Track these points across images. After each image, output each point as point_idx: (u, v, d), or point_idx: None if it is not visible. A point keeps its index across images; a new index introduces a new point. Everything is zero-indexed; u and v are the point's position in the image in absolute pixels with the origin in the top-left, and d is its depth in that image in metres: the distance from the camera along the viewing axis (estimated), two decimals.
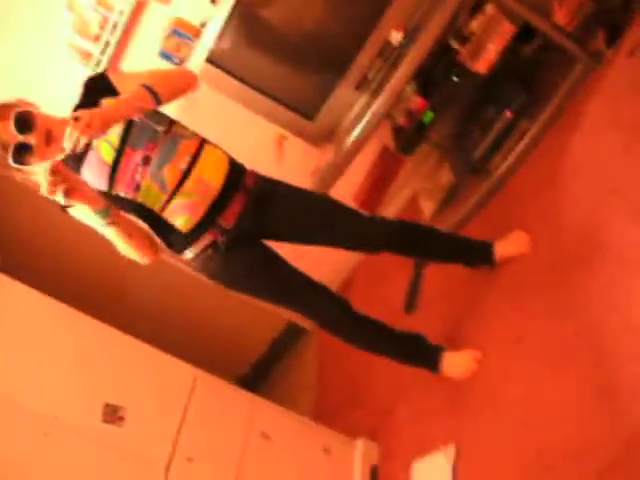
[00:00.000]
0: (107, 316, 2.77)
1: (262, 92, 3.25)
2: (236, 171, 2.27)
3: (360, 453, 2.85)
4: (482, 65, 2.79)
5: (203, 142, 2.21)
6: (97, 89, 2.13)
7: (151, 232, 2.23)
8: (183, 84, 2.12)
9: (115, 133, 2.05)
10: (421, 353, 2.52)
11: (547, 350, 2.19)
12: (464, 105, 3.15)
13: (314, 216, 2.43)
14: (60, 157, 1.82)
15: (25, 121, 1.88)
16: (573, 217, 2.43)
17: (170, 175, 2.10)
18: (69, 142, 1.76)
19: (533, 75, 2.98)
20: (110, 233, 2.07)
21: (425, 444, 2.57)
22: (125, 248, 2.12)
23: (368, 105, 2.93)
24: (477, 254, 2.63)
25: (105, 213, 2.00)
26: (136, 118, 2.02)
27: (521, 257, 2.55)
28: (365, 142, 2.95)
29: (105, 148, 2.06)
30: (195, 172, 2.13)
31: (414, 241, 2.60)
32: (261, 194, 2.31)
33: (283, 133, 3.34)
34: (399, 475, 2.65)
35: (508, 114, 2.92)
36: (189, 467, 2.50)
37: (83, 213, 2.00)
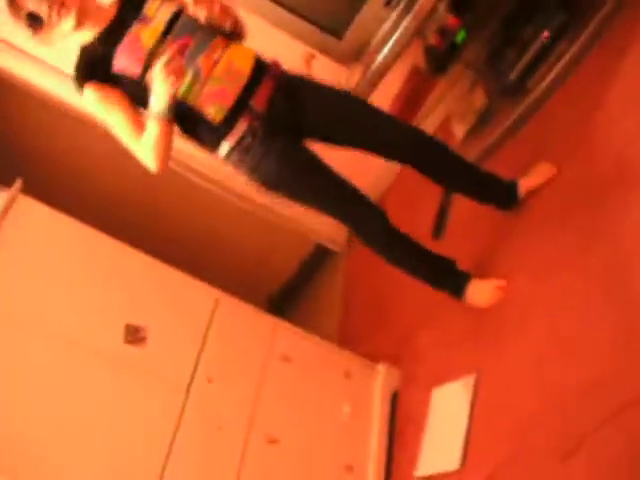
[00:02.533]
0: (131, 237, 2.77)
1: (289, 9, 3.13)
2: (262, 61, 2.30)
3: (381, 378, 2.86)
4: None
5: (230, 42, 2.27)
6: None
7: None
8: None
9: (161, 21, 2.16)
10: (449, 277, 2.47)
11: (575, 283, 2.13)
12: (499, 24, 3.01)
13: (344, 108, 2.42)
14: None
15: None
16: (609, 146, 2.33)
17: (204, 63, 2.15)
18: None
19: None
20: (155, 127, 2.13)
21: (446, 371, 2.57)
22: (152, 148, 2.16)
23: (398, 23, 2.81)
24: (500, 191, 2.58)
25: None
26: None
27: (551, 186, 2.48)
28: (394, 61, 2.86)
29: (147, 33, 2.15)
30: (225, 59, 2.18)
31: (440, 158, 2.54)
32: (289, 81, 2.33)
33: (311, 52, 3.24)
34: (419, 401, 2.65)
35: (546, 34, 2.79)
36: (209, 388, 2.53)
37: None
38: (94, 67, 2.19)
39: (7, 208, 2.50)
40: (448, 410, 2.45)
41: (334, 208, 2.39)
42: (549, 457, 1.89)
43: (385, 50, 2.84)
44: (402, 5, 2.83)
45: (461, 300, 2.46)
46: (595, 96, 2.55)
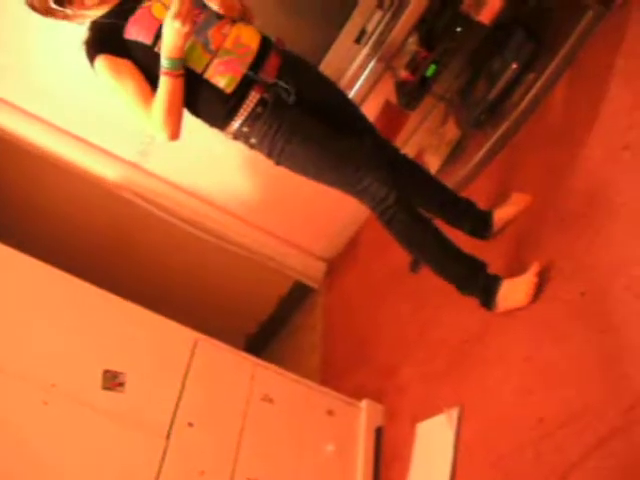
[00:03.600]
0: (107, 280, 2.74)
1: None
2: (267, 38, 2.34)
3: (365, 414, 2.82)
4: (486, 15, 2.69)
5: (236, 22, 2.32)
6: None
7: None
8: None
9: None
10: (480, 278, 2.30)
11: (551, 311, 2.13)
12: (469, 57, 3.05)
13: (340, 98, 2.50)
14: None
15: None
16: (582, 173, 2.36)
17: (214, 36, 2.20)
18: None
19: (541, 24, 2.86)
20: (166, 84, 2.14)
21: (430, 405, 2.55)
22: (163, 111, 2.17)
23: (368, 59, 2.85)
24: (475, 215, 2.58)
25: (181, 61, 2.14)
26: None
27: (523, 214, 2.50)
28: (366, 97, 2.88)
29: (159, 7, 2.19)
30: (233, 33, 2.23)
31: (412, 170, 2.60)
32: (292, 57, 2.38)
33: None
34: (404, 436, 2.62)
35: (514, 66, 2.83)
36: (190, 432, 2.48)
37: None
38: (105, 40, 2.23)
39: None
40: (433, 444, 2.42)
41: (340, 178, 2.32)
42: None
43: (356, 86, 2.87)
44: (372, 42, 2.86)
45: (492, 306, 2.30)
46: (566, 123, 2.58)
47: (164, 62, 2.11)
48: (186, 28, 2.03)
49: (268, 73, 2.26)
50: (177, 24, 2.02)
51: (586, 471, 1.74)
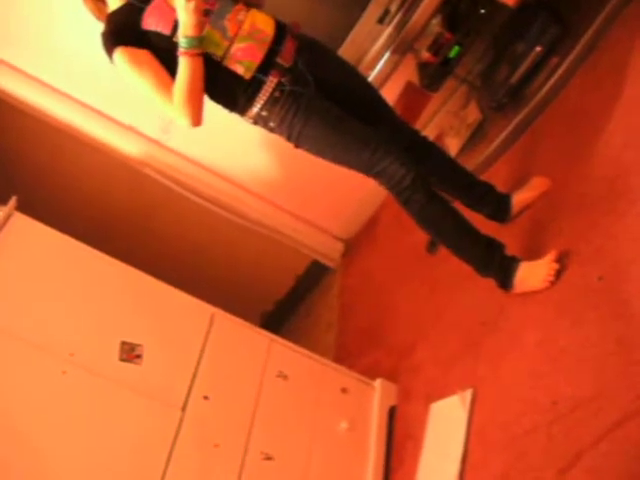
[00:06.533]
0: (126, 254, 2.76)
1: None
2: (282, 23, 2.37)
3: (378, 393, 2.84)
4: None
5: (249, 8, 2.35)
6: None
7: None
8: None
9: None
10: (497, 259, 2.31)
11: (568, 295, 2.13)
12: (492, 39, 3.03)
13: (356, 80, 2.53)
14: None
15: None
16: (602, 158, 2.34)
17: (230, 24, 2.24)
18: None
19: (566, 7, 2.84)
20: (185, 65, 2.16)
21: (444, 386, 2.56)
22: (184, 95, 2.19)
23: (391, 39, 2.83)
24: (494, 199, 2.58)
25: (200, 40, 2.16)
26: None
27: (542, 199, 2.49)
28: (388, 77, 2.87)
29: None
30: (248, 20, 2.27)
31: (431, 152, 2.61)
32: (308, 41, 2.41)
33: None
34: (417, 416, 2.64)
35: (538, 49, 2.80)
36: (205, 405, 2.51)
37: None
38: (122, 32, 2.25)
39: (2, 225, 2.49)
40: (446, 425, 2.44)
41: (357, 160, 2.33)
42: (547, 473, 1.88)
43: (378, 67, 2.86)
44: (395, 22, 2.85)
45: (509, 286, 2.31)
46: (587, 108, 2.57)
47: (181, 41, 2.14)
48: (192, 4, 2.06)
49: (285, 58, 2.29)
50: (182, 0, 2.05)
51: (598, 454, 1.75)
